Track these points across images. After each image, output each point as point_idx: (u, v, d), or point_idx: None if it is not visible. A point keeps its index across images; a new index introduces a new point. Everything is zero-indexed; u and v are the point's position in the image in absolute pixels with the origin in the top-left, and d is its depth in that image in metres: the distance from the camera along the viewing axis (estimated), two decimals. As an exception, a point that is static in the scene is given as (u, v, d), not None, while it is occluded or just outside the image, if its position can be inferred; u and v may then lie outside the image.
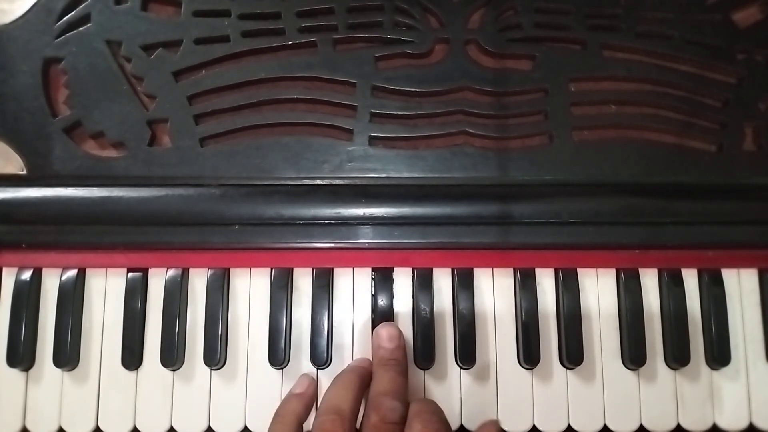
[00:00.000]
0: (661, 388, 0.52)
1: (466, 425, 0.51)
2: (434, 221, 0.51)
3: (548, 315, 0.52)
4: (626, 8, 0.54)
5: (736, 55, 0.54)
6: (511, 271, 0.53)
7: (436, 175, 0.52)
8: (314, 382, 0.51)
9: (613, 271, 0.53)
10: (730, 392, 0.52)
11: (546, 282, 0.53)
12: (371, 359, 0.50)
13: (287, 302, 0.52)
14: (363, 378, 0.48)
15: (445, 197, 0.52)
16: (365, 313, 0.52)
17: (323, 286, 0.52)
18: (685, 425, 0.51)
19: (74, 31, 0.54)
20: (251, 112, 0.54)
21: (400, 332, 0.50)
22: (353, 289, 0.53)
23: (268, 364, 0.51)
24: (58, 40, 0.54)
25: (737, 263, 0.53)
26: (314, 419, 0.44)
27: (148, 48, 0.54)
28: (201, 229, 0.52)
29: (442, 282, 0.53)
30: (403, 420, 0.43)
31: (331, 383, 0.47)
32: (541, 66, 0.54)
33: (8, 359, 0.51)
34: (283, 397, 0.51)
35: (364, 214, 0.51)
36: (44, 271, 0.53)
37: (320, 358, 0.51)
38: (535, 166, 0.52)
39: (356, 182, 0.52)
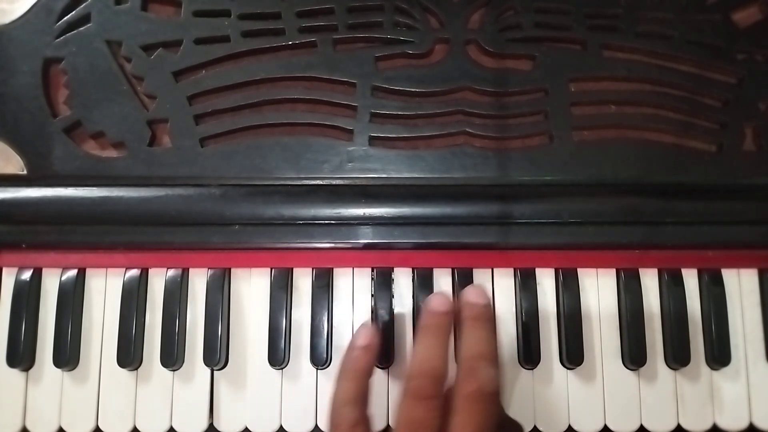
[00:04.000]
0: (661, 388, 0.52)
1: (466, 425, 0.51)
2: (434, 221, 0.51)
3: (548, 315, 0.52)
4: (626, 8, 0.54)
5: (736, 55, 0.54)
6: (511, 271, 0.53)
7: (436, 175, 0.52)
8: (376, 334, 0.48)
9: (613, 271, 0.53)
10: (730, 392, 0.52)
11: (546, 282, 0.53)
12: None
13: (287, 302, 0.52)
14: (449, 331, 0.46)
15: (445, 197, 0.52)
16: (365, 314, 0.52)
17: (323, 286, 0.52)
18: (685, 425, 0.51)
19: (74, 31, 0.54)
20: (251, 112, 0.54)
21: (485, 292, 0.49)
22: (353, 289, 0.53)
23: (268, 364, 0.51)
24: (58, 40, 0.54)
25: (737, 263, 0.53)
26: (407, 381, 0.42)
27: (148, 48, 0.54)
28: (201, 229, 0.52)
29: (442, 282, 0.53)
30: (498, 390, 0.42)
31: (420, 336, 0.45)
32: (541, 66, 0.54)
33: (8, 359, 0.51)
34: (283, 397, 0.51)
35: (364, 214, 0.51)
36: (44, 271, 0.53)
37: (320, 358, 0.51)
38: (535, 166, 0.52)
39: (356, 182, 0.52)
